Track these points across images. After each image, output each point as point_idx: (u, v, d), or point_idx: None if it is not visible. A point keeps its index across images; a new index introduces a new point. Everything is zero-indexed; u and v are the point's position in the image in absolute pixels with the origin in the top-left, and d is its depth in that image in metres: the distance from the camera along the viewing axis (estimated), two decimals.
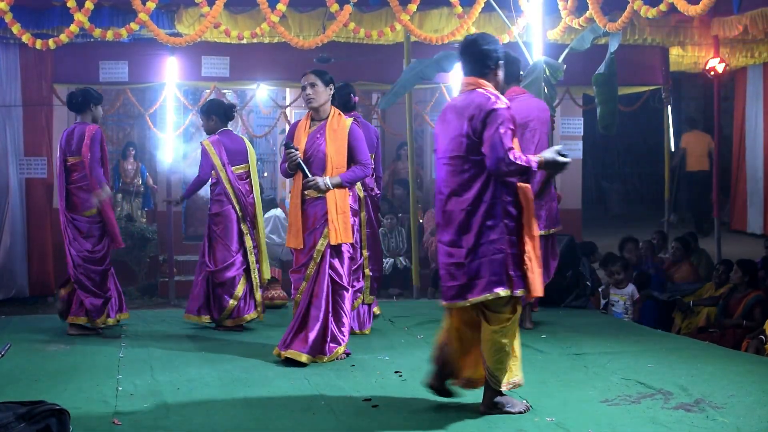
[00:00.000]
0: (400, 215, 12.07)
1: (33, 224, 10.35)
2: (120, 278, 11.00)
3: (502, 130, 4.34)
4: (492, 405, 4.52)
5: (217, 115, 7.10)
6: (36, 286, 10.38)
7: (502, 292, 4.37)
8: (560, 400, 4.78)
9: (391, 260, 11.49)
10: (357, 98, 6.69)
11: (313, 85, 5.69)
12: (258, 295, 7.00)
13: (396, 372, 5.44)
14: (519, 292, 4.41)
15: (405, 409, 4.65)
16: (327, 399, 4.82)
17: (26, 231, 10.33)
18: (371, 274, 6.71)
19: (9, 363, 5.48)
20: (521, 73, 6.54)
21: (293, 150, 5.57)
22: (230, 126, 7.30)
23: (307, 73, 5.75)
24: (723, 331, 7.55)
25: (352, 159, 5.72)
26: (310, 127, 5.73)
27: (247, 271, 6.97)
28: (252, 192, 7.03)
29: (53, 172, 10.68)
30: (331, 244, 5.63)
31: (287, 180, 13.64)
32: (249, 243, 6.96)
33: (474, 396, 4.85)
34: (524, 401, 4.63)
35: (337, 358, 5.76)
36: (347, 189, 5.72)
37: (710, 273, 8.76)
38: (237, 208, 6.92)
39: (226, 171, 6.91)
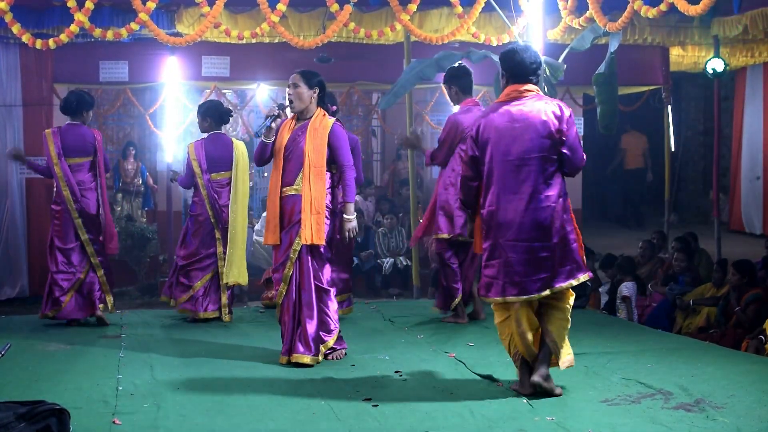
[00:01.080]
0: (400, 215, 12.07)
1: (33, 224, 10.35)
2: (120, 278, 11.11)
3: (577, 132, 4.85)
4: (547, 377, 4.81)
5: (212, 117, 7.16)
6: (36, 286, 10.38)
7: (582, 277, 4.85)
8: (560, 400, 4.78)
9: (391, 260, 11.49)
10: (336, 107, 6.73)
11: (295, 86, 5.68)
12: (224, 298, 7.16)
13: (396, 372, 5.44)
14: (589, 275, 4.95)
15: (405, 409, 4.65)
16: (327, 399, 4.82)
17: (26, 231, 10.34)
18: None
19: (9, 363, 5.49)
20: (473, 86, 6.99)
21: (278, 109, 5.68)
22: (230, 127, 7.33)
23: (294, 73, 5.75)
24: (723, 331, 7.54)
25: (334, 161, 5.69)
26: (294, 126, 5.74)
27: (215, 275, 7.14)
28: (228, 198, 7.10)
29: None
30: (303, 244, 5.59)
31: None
32: (220, 249, 7.12)
33: (474, 396, 4.86)
34: (558, 388, 4.86)
35: (334, 357, 5.76)
36: (326, 189, 5.64)
37: (710, 273, 8.76)
38: (210, 214, 7.08)
39: (203, 178, 7.05)
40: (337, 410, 4.61)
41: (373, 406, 4.69)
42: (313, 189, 5.59)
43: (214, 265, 7.14)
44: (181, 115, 11.63)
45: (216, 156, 7.08)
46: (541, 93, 4.91)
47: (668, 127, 11.99)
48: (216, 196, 7.08)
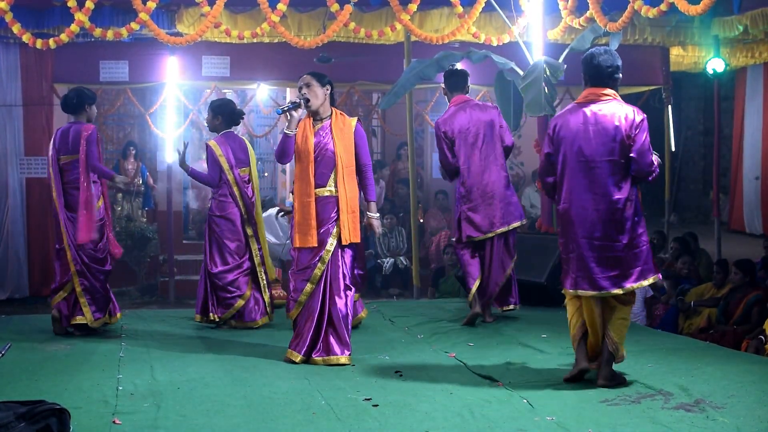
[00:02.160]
0: (401, 215, 12.08)
1: (33, 224, 10.36)
2: (120, 278, 11.12)
3: (647, 137, 4.98)
4: (612, 377, 5.03)
5: (223, 115, 7.03)
6: (36, 286, 10.39)
7: (652, 278, 5.09)
8: (560, 400, 4.78)
9: (391, 260, 11.50)
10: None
11: (308, 85, 5.70)
12: (267, 296, 6.99)
13: (396, 372, 5.44)
14: (659, 277, 5.22)
15: (405, 409, 4.65)
16: (327, 399, 4.82)
17: (26, 231, 10.34)
18: None
19: (9, 363, 5.48)
20: (468, 84, 7.09)
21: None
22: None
23: (303, 75, 5.78)
24: (723, 331, 7.54)
25: (357, 160, 5.75)
26: (314, 127, 5.74)
27: (254, 274, 6.96)
28: (254, 194, 7.03)
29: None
30: (342, 244, 5.64)
31: (287, 180, 13.70)
32: (254, 246, 6.95)
33: (474, 396, 4.86)
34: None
35: None
36: (357, 188, 5.74)
37: (710, 273, 8.76)
38: (243, 210, 6.91)
39: (233, 173, 6.88)
40: (337, 410, 4.61)
41: (373, 406, 4.69)
42: (348, 189, 5.66)
43: (252, 265, 6.94)
44: (181, 116, 11.63)
45: (238, 151, 6.98)
46: (618, 97, 5.06)
47: (668, 127, 11.99)
48: (247, 192, 6.97)
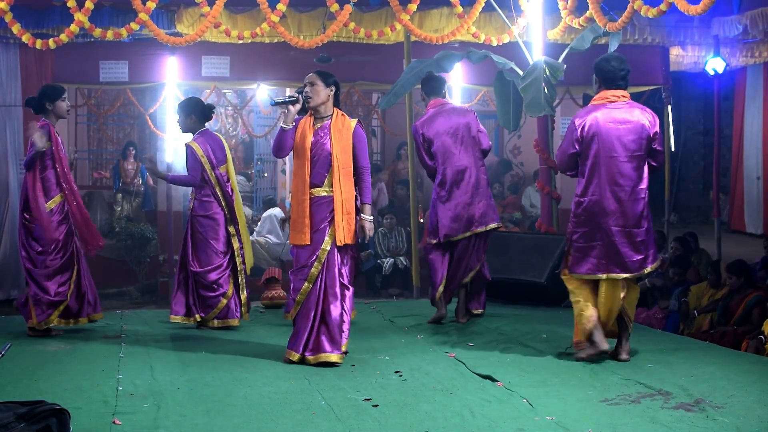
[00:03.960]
0: (403, 216, 12.07)
1: None
2: (120, 278, 11.12)
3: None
4: (629, 350, 5.74)
5: (195, 113, 6.92)
6: None
7: (658, 261, 5.80)
8: (560, 399, 4.78)
9: (391, 260, 11.49)
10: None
11: (312, 84, 5.71)
12: (243, 296, 6.96)
13: (396, 372, 5.44)
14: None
15: (405, 409, 4.65)
16: (327, 399, 4.82)
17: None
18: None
19: (9, 363, 5.49)
20: (445, 89, 7.30)
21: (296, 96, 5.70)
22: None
23: (311, 73, 5.79)
24: (723, 331, 7.54)
25: (355, 162, 5.73)
26: (314, 126, 5.74)
27: (234, 273, 6.93)
28: (233, 192, 7.00)
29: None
30: (336, 245, 5.64)
31: (287, 180, 13.70)
32: (236, 245, 6.92)
33: (474, 396, 4.86)
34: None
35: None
36: (353, 190, 5.71)
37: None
38: (225, 210, 6.88)
39: (215, 173, 6.83)
40: (337, 410, 4.61)
41: (373, 406, 4.69)
42: (344, 190, 5.64)
43: (233, 264, 6.92)
44: None
45: (217, 150, 6.93)
46: (630, 98, 5.71)
47: (668, 127, 11.98)
48: (228, 190, 6.98)
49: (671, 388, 4.94)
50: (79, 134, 13.46)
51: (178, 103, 7.19)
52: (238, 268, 6.92)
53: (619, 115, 5.57)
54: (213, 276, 6.81)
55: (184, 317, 6.88)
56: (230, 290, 6.86)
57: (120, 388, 5.06)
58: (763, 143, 13.45)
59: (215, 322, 6.87)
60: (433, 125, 6.99)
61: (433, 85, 7.22)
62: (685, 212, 16.63)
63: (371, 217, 5.79)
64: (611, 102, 5.62)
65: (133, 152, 12.81)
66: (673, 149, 12.38)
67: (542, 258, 7.79)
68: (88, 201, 13.01)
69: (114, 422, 4.40)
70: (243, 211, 7.16)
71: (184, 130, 7.03)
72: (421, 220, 11.78)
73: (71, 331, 6.85)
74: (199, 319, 6.87)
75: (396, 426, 4.37)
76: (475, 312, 7.17)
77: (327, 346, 5.61)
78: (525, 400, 4.74)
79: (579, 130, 5.57)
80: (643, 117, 5.59)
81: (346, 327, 5.73)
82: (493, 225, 7.07)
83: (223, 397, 4.90)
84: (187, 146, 6.88)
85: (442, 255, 7.02)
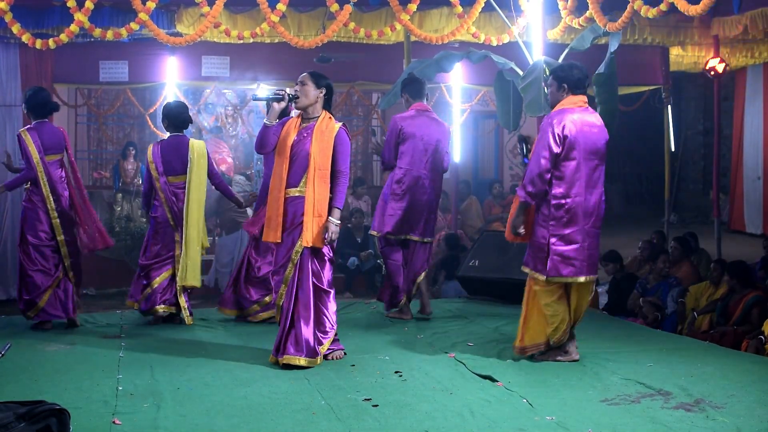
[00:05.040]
0: None
1: None
2: (120, 278, 11.11)
3: None
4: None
5: (168, 119, 7.10)
6: None
7: None
8: (560, 399, 4.78)
9: None
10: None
11: (303, 83, 5.71)
12: (182, 300, 7.05)
13: (396, 372, 5.44)
14: None
15: (405, 409, 4.65)
16: (327, 399, 4.82)
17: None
18: None
19: (9, 363, 5.49)
20: (426, 91, 7.41)
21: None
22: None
23: (304, 73, 5.79)
24: (723, 331, 7.54)
25: (333, 165, 5.67)
26: (299, 127, 5.73)
27: (173, 277, 7.05)
28: (184, 201, 7.03)
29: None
30: (303, 246, 5.59)
31: None
32: (178, 251, 7.04)
33: (474, 396, 4.86)
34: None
35: (333, 358, 5.76)
36: (327, 193, 5.65)
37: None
38: (169, 216, 7.02)
39: (159, 180, 6.99)
40: (337, 410, 4.61)
41: (373, 406, 4.69)
42: (317, 192, 5.59)
43: (172, 265, 7.07)
44: None
45: (172, 159, 6.98)
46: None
47: (668, 127, 11.99)
48: (174, 198, 7.02)
49: (671, 388, 4.94)
50: (79, 134, 13.47)
51: (167, 103, 7.41)
52: (177, 274, 7.03)
53: (588, 119, 5.66)
54: (143, 262, 7.08)
55: (132, 302, 7.22)
56: (156, 281, 7.02)
57: (120, 388, 5.06)
58: (763, 143, 13.46)
59: (140, 308, 7.12)
60: (412, 125, 7.11)
61: (417, 88, 7.31)
62: (685, 212, 16.63)
63: (338, 221, 5.66)
64: (579, 107, 5.68)
65: (133, 152, 12.81)
66: (673, 149, 12.38)
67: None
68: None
69: (114, 422, 4.40)
70: (198, 224, 7.14)
71: (164, 130, 7.29)
72: None
73: (71, 331, 6.85)
74: (135, 305, 7.17)
75: (396, 426, 4.37)
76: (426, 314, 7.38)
77: (291, 348, 5.55)
78: (525, 400, 4.74)
79: (560, 131, 5.54)
80: (601, 122, 5.76)
81: (328, 330, 5.68)
82: (428, 239, 7.29)
83: (223, 397, 4.90)
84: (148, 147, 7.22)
85: (397, 258, 7.22)
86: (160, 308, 7.02)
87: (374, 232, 7.28)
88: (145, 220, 12.49)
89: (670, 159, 12.31)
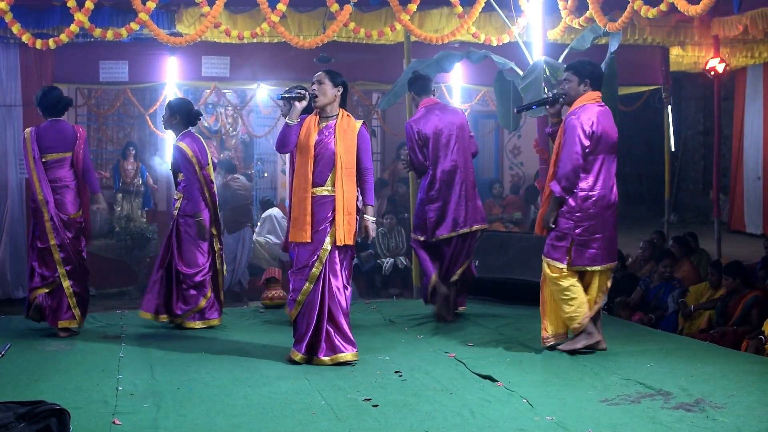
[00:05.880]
0: (405, 215, 12.06)
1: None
2: (120, 278, 11.11)
3: None
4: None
5: (180, 115, 6.95)
6: None
7: None
8: (560, 399, 4.78)
9: (391, 260, 11.48)
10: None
11: (320, 82, 5.70)
12: (221, 297, 7.04)
13: (396, 372, 5.44)
14: None
15: (405, 409, 4.65)
16: (327, 399, 4.82)
17: (26, 231, 10.32)
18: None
19: (9, 363, 5.49)
20: (433, 87, 7.33)
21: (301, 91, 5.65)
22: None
23: (320, 72, 5.77)
24: (723, 332, 7.53)
25: (358, 163, 5.73)
26: (319, 125, 5.73)
27: (214, 274, 6.97)
28: (216, 194, 7.02)
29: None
30: (336, 245, 5.64)
31: (287, 180, 13.69)
32: (217, 245, 6.98)
33: (474, 396, 4.86)
34: None
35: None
36: (355, 191, 5.71)
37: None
38: (211, 210, 6.91)
39: (203, 173, 6.86)
40: (337, 410, 4.61)
41: (373, 406, 4.69)
42: (345, 190, 5.64)
43: (214, 265, 6.96)
44: None
45: (202, 152, 6.91)
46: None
47: (668, 127, 11.99)
48: (213, 191, 6.98)
49: (671, 388, 4.94)
50: None
51: (170, 101, 7.24)
52: (218, 269, 6.98)
53: (607, 114, 5.91)
54: (198, 278, 6.85)
55: (152, 315, 6.88)
56: (210, 292, 6.89)
57: (120, 388, 5.07)
58: (763, 143, 13.46)
59: (197, 323, 6.87)
60: (428, 123, 7.01)
61: (422, 84, 7.23)
62: (685, 212, 16.62)
63: (374, 218, 5.81)
64: (598, 102, 5.93)
65: (133, 152, 12.81)
66: (673, 149, 12.38)
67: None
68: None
69: (114, 422, 4.40)
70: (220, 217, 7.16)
71: (166, 128, 7.16)
72: None
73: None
74: (164, 319, 6.88)
75: (396, 426, 4.37)
76: (460, 309, 7.25)
77: (341, 346, 5.63)
78: (525, 400, 4.74)
79: (590, 127, 5.75)
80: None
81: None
82: (477, 227, 7.11)
83: (223, 397, 4.90)
84: (176, 147, 6.91)
85: (430, 253, 7.09)
86: (215, 321, 6.93)
87: (420, 237, 7.08)
88: (145, 220, 12.52)
89: (670, 159, 12.31)
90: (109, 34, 8.61)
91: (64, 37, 8.47)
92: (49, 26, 9.08)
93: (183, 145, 6.83)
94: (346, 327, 5.67)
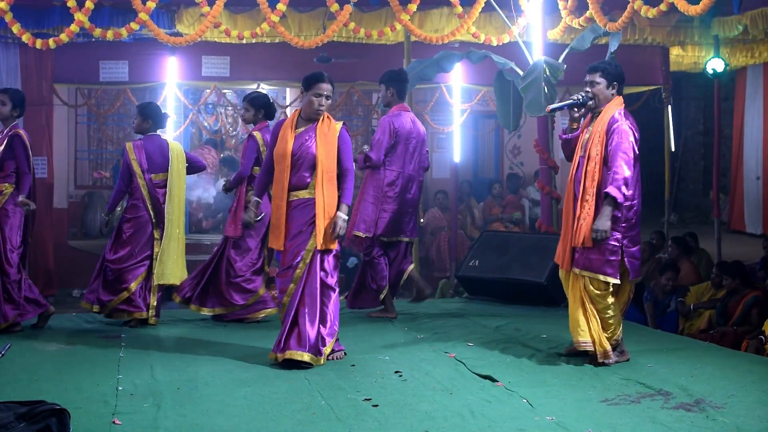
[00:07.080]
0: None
1: (33, 224, 10.32)
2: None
3: None
4: None
5: (152, 119, 7.09)
6: (36, 285, 10.34)
7: None
8: (560, 399, 4.78)
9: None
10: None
11: (328, 98, 5.67)
12: (153, 299, 7.03)
13: (396, 372, 5.44)
14: None
15: (405, 409, 4.65)
16: (327, 399, 4.82)
17: None
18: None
19: (9, 363, 5.48)
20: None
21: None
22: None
23: (327, 83, 5.66)
24: (723, 332, 7.54)
25: (339, 164, 5.69)
26: (297, 127, 5.70)
27: (149, 276, 7.00)
28: (165, 201, 7.02)
29: (52, 171, 10.68)
30: (317, 248, 5.60)
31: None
32: (157, 249, 7.00)
33: (474, 396, 4.87)
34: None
35: (334, 358, 5.75)
36: (336, 195, 5.66)
37: (711, 273, 8.74)
38: (152, 214, 6.98)
39: (144, 177, 6.96)
40: (337, 410, 4.61)
41: (373, 406, 4.69)
42: (326, 195, 5.60)
43: (150, 266, 7.01)
44: (181, 116, 11.62)
45: (155, 157, 7.00)
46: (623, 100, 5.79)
47: (668, 127, 11.99)
48: (158, 196, 7.04)
49: (671, 388, 4.94)
50: (79, 134, 13.47)
51: (140, 105, 7.36)
52: (154, 272, 6.98)
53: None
54: (123, 266, 6.93)
55: (88, 304, 7.03)
56: (133, 285, 6.93)
57: (120, 388, 5.06)
58: (763, 143, 13.46)
59: (122, 315, 6.98)
60: (404, 126, 7.07)
61: (405, 88, 7.29)
62: (685, 212, 16.63)
63: (346, 216, 5.70)
64: (626, 108, 5.72)
65: None
66: (673, 149, 12.38)
67: (542, 258, 7.79)
68: (88, 201, 13.01)
69: (114, 422, 4.40)
70: (179, 223, 7.14)
71: (136, 131, 7.22)
72: (422, 221, 11.79)
73: (71, 331, 6.85)
74: (96, 310, 6.98)
75: (396, 426, 4.37)
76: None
77: (294, 343, 5.53)
78: (525, 400, 4.74)
79: (636, 133, 5.60)
80: None
81: (330, 328, 5.66)
82: (414, 238, 7.47)
83: (223, 397, 4.90)
84: (124, 147, 7.15)
85: (384, 257, 7.18)
86: (139, 314, 6.95)
87: (360, 234, 7.10)
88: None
89: (670, 159, 12.32)
90: (109, 34, 8.61)
91: (64, 37, 8.48)
92: (49, 26, 9.09)
93: (129, 146, 7.10)
94: (308, 328, 5.52)
